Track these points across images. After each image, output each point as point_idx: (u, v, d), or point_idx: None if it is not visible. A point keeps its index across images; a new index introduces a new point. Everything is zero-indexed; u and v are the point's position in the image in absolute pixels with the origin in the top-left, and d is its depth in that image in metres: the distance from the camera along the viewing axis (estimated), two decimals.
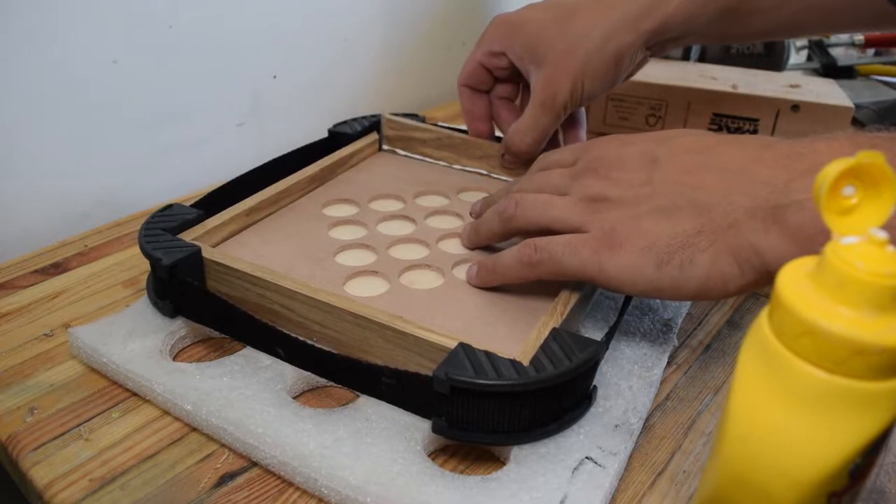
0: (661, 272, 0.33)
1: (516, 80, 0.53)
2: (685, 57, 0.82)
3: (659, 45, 0.49)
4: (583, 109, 0.53)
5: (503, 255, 0.38)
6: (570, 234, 0.36)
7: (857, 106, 0.70)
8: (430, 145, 0.56)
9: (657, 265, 0.33)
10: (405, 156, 0.57)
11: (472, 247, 0.43)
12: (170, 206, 0.43)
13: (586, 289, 0.38)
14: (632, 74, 0.51)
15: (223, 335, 0.39)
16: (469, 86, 0.53)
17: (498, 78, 0.52)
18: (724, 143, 0.34)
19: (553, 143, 0.53)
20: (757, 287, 0.32)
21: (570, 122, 0.52)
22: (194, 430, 0.34)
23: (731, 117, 0.68)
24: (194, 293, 0.37)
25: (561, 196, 0.38)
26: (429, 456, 0.32)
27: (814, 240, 0.28)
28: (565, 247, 0.35)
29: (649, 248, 0.33)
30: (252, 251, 0.42)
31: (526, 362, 0.31)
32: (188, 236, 0.40)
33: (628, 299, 0.40)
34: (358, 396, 0.35)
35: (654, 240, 0.33)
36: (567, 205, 0.37)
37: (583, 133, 0.53)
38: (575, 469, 0.31)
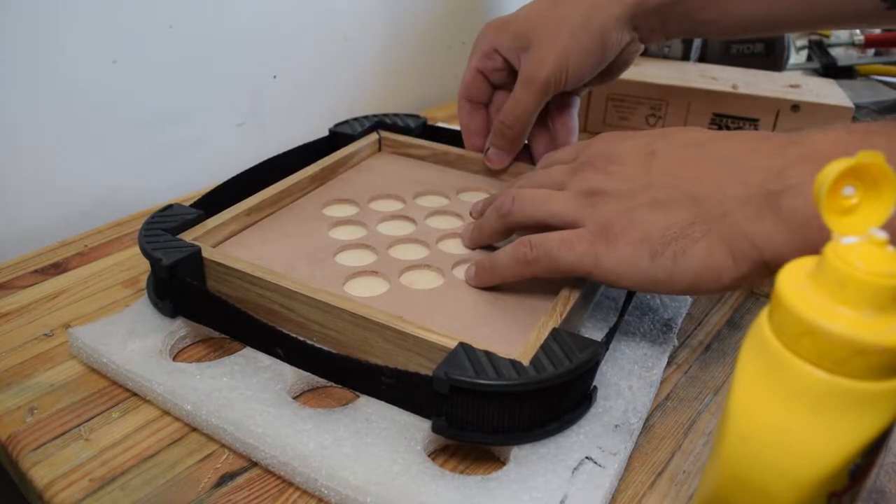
0: (655, 264, 0.32)
1: (512, 87, 0.52)
2: (685, 57, 0.82)
3: (646, 28, 0.48)
4: (576, 97, 0.52)
5: (499, 254, 0.38)
6: (566, 229, 0.36)
7: (857, 106, 0.70)
8: (425, 160, 0.56)
9: (651, 257, 0.32)
10: (405, 156, 0.57)
11: (474, 246, 0.43)
12: (170, 206, 0.43)
13: (587, 289, 0.38)
14: (622, 67, 0.51)
15: (223, 335, 0.39)
16: (468, 98, 0.53)
17: (495, 84, 0.52)
18: (723, 137, 0.34)
19: (544, 133, 0.52)
20: (752, 279, 0.31)
21: (560, 106, 0.52)
22: (194, 430, 0.34)
23: (731, 117, 0.68)
24: (194, 293, 0.37)
25: (559, 191, 0.38)
26: (429, 456, 0.32)
27: (808, 225, 0.28)
28: (561, 242, 0.35)
29: (643, 240, 0.33)
30: (252, 251, 0.42)
31: (526, 362, 0.31)
32: (188, 236, 0.40)
33: (628, 300, 0.40)
34: (358, 396, 0.35)
35: (649, 232, 0.33)
36: (564, 199, 0.37)
37: (573, 116, 0.52)
38: (575, 469, 0.31)
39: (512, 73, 0.51)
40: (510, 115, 0.49)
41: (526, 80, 0.47)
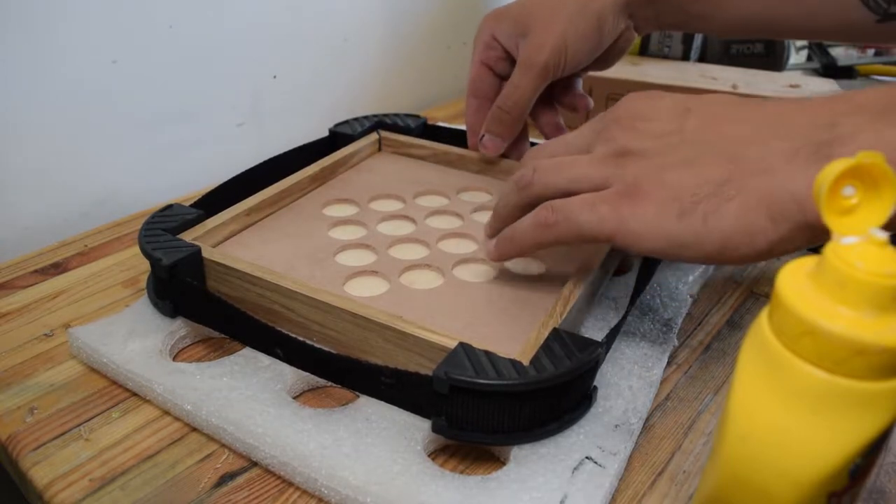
0: (682, 224, 0.30)
1: None
2: (685, 57, 0.82)
3: (640, 17, 0.48)
4: (577, 78, 0.52)
5: (520, 221, 0.36)
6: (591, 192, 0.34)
7: None
8: (425, 160, 0.56)
9: (679, 217, 0.30)
10: (405, 156, 0.57)
11: (493, 231, 0.40)
12: (170, 206, 0.43)
13: (587, 288, 0.38)
14: (618, 54, 0.51)
15: (223, 335, 0.39)
16: (475, 95, 0.52)
17: (500, 75, 0.51)
18: (762, 100, 0.32)
19: (547, 111, 0.52)
20: (791, 244, 0.29)
21: (565, 88, 0.52)
22: (194, 430, 0.34)
23: None
24: (194, 293, 0.37)
25: (583, 154, 0.36)
26: (429, 456, 0.32)
27: None
28: (583, 204, 0.33)
29: (672, 200, 0.30)
30: (252, 251, 0.42)
31: (526, 362, 0.31)
32: (188, 236, 0.40)
33: (632, 301, 0.39)
34: (358, 396, 0.35)
35: (678, 190, 0.30)
36: (588, 162, 0.34)
37: (581, 90, 0.52)
38: (575, 469, 0.31)
39: (514, 62, 0.50)
40: (508, 101, 0.48)
41: (525, 64, 0.47)
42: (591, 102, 0.52)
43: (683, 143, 0.32)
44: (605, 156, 0.34)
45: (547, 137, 0.53)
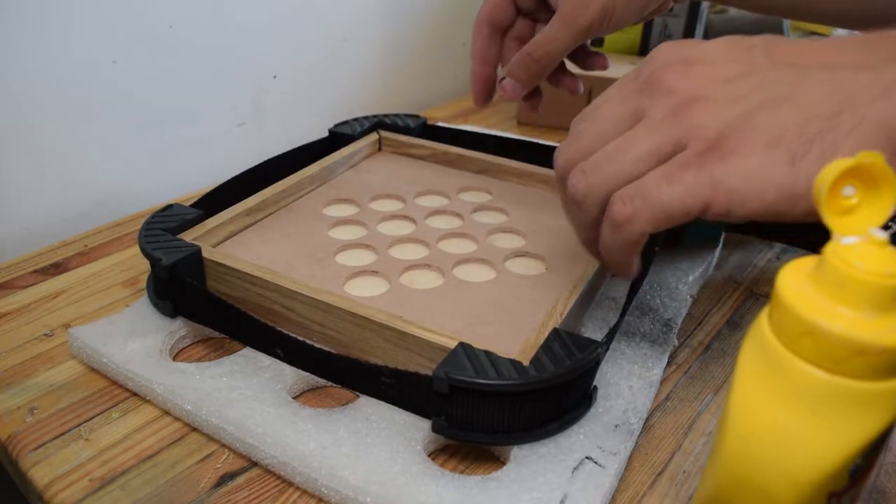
0: (795, 171, 0.25)
1: (536, 16, 0.48)
2: None
3: None
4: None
5: (601, 234, 0.31)
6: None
7: None
8: (425, 160, 0.56)
9: (790, 162, 0.25)
10: (405, 156, 0.57)
11: (595, 255, 0.34)
12: (170, 206, 0.43)
13: (587, 289, 0.38)
14: (654, 14, 0.47)
15: (223, 335, 0.39)
16: (490, 22, 0.47)
17: (521, 9, 0.47)
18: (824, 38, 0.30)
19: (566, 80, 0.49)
20: None
21: (581, 48, 0.48)
22: (194, 430, 0.34)
23: None
24: (194, 293, 0.37)
25: (633, 128, 0.30)
26: (429, 456, 0.32)
27: None
28: (660, 179, 0.27)
29: (776, 143, 0.25)
30: (252, 251, 0.42)
31: (526, 362, 0.31)
32: (188, 236, 0.40)
33: (629, 299, 0.39)
34: (358, 396, 0.35)
35: (780, 132, 0.26)
36: (647, 130, 0.29)
37: (592, 51, 0.49)
38: (575, 469, 0.31)
39: (541, 2, 0.46)
40: (540, 50, 0.44)
41: (566, 18, 0.43)
42: (608, 61, 0.49)
43: (764, 81, 0.27)
44: (666, 114, 0.28)
45: (569, 91, 0.48)
